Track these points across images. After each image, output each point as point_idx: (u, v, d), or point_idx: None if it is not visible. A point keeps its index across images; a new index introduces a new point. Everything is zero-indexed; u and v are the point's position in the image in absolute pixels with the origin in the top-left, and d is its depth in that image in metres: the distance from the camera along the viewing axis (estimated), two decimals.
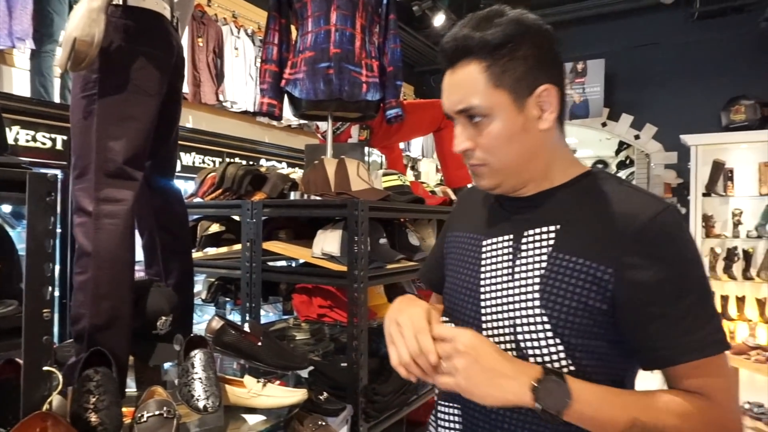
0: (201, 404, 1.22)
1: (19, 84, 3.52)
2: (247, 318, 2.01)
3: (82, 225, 1.29)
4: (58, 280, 2.60)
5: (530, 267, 0.81)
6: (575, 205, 0.82)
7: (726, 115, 6.05)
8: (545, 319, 0.78)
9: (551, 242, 0.81)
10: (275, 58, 2.31)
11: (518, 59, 0.78)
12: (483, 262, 0.88)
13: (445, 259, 1.01)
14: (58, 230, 2.59)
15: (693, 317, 0.72)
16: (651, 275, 0.73)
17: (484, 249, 0.89)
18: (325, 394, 1.64)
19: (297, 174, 2.36)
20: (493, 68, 0.78)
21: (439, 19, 6.26)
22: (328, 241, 1.84)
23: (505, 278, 0.84)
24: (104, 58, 1.29)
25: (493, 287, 0.85)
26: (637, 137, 6.90)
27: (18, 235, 1.22)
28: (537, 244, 0.82)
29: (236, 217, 2.32)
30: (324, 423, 1.52)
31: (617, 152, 9.73)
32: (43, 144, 2.94)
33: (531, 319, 0.79)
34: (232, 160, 2.27)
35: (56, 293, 0.92)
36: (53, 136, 2.97)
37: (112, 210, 1.30)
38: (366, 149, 3.25)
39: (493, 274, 0.86)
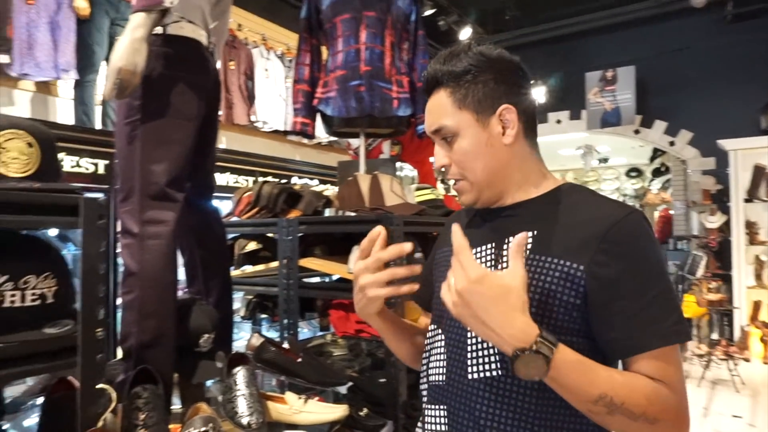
0: (245, 420, 1.24)
1: (63, 113, 3.68)
2: (285, 334, 2.03)
3: (128, 246, 1.33)
4: None
5: None
6: (550, 213, 0.89)
7: (765, 118, 5.86)
8: None
9: (529, 246, 0.87)
10: (307, 78, 2.35)
11: (479, 83, 0.90)
12: None
13: (434, 275, 1.06)
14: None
15: (657, 308, 0.79)
16: (616, 271, 0.80)
17: None
18: (366, 410, 1.64)
19: (331, 191, 2.39)
20: (456, 93, 0.90)
21: (465, 33, 6.27)
22: None
23: None
24: (146, 86, 1.34)
25: None
26: (672, 143, 6.74)
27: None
28: None
29: (272, 235, 2.35)
30: None
31: (652, 159, 9.51)
32: (87, 169, 3.06)
33: None
34: (266, 179, 2.31)
35: (107, 319, 0.96)
36: (96, 161, 3.10)
37: (156, 231, 1.34)
38: (398, 164, 3.27)
39: None
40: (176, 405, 1.46)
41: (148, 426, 1.09)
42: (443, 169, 0.95)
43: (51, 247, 1.09)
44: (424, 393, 0.98)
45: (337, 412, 1.39)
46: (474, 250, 0.94)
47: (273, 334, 2.23)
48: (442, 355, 0.94)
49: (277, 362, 1.54)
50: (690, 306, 5.37)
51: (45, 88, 3.62)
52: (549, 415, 0.83)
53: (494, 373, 0.85)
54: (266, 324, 2.50)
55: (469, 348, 0.89)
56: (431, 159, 4.12)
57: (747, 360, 4.90)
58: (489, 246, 0.93)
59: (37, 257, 1.03)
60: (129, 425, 1.08)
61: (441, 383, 0.92)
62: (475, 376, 0.87)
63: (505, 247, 0.90)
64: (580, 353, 0.78)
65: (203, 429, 1.13)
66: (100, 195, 0.97)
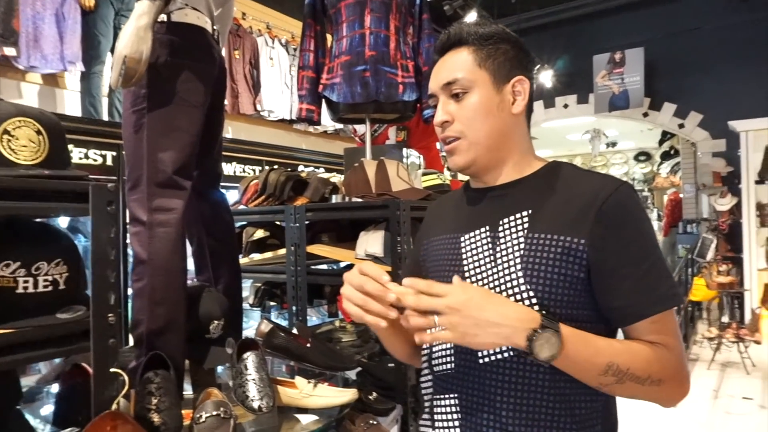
0: (256, 404, 1.25)
1: (71, 104, 3.70)
2: (294, 321, 2.04)
3: (137, 234, 1.34)
4: None
5: (510, 250, 0.89)
6: (543, 191, 0.91)
7: None
8: (531, 294, 0.84)
9: (526, 225, 0.89)
10: (312, 65, 2.34)
11: (500, 51, 0.93)
12: (464, 256, 0.94)
13: (423, 267, 1.05)
14: None
15: (655, 275, 0.83)
16: (616, 242, 0.83)
17: (463, 244, 0.95)
18: (375, 394, 1.66)
19: (337, 178, 2.39)
20: (479, 52, 0.93)
21: (470, 17, 6.21)
22: (371, 242, 1.86)
23: (488, 265, 0.90)
24: (152, 74, 1.34)
25: (478, 276, 0.91)
26: (681, 126, 6.66)
27: None
28: (513, 230, 0.90)
29: (280, 222, 2.36)
30: (375, 422, 1.53)
31: (660, 142, 9.42)
32: (95, 160, 3.07)
33: (518, 296, 0.85)
34: (273, 167, 2.32)
35: (119, 305, 0.97)
36: (103, 152, 3.11)
37: (165, 219, 1.35)
38: (404, 150, 3.26)
39: (476, 264, 0.92)
40: (188, 391, 1.48)
41: (161, 410, 1.10)
42: (443, 125, 0.94)
43: (61, 234, 1.11)
44: (428, 385, 0.97)
45: (346, 396, 1.40)
46: (468, 235, 0.95)
47: (282, 321, 2.25)
48: (447, 344, 0.93)
49: (287, 348, 1.55)
50: (700, 289, 5.35)
51: (52, 80, 3.64)
52: (562, 391, 0.84)
53: (505, 354, 0.85)
54: (275, 311, 2.52)
55: None
56: (438, 145, 4.11)
57: (758, 342, 4.88)
58: (484, 229, 0.93)
59: (48, 244, 1.04)
60: (142, 409, 1.10)
61: (450, 371, 0.92)
62: (487, 360, 0.87)
63: (500, 229, 0.91)
64: (584, 326, 0.82)
65: (215, 413, 1.14)
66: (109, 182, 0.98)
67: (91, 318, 0.91)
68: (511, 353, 0.85)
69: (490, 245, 0.91)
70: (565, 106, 7.51)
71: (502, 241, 0.90)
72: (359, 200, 1.98)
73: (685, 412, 3.63)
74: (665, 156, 9.35)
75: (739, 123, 5.57)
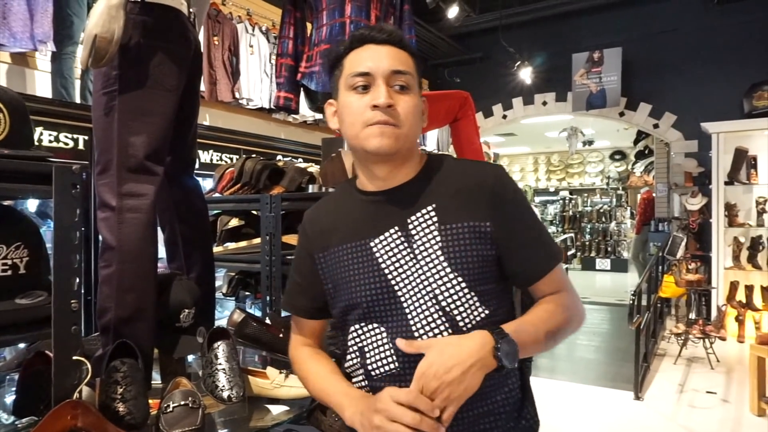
0: (225, 394, 1.23)
1: (41, 86, 3.58)
2: (268, 311, 2.02)
3: (105, 220, 1.31)
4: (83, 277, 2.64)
5: (428, 244, 0.94)
6: (437, 186, 0.99)
7: (748, 102, 5.93)
8: (459, 279, 0.92)
9: (435, 218, 0.95)
10: (291, 52, 2.31)
11: (420, 68, 1.01)
12: (380, 259, 0.96)
13: (326, 279, 1.04)
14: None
15: (544, 238, 1.00)
16: (510, 216, 0.96)
17: (375, 249, 0.97)
18: None
19: (314, 168, 2.36)
20: (415, 61, 1.00)
21: (452, 12, 6.20)
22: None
23: (409, 263, 0.95)
24: (124, 55, 1.30)
25: (403, 275, 0.95)
26: (656, 126, 6.79)
27: (44, 235, 1.24)
28: (424, 225, 0.96)
29: (255, 211, 2.33)
30: None
31: (635, 142, 9.59)
32: (66, 144, 2.99)
33: (448, 284, 0.92)
34: (250, 156, 2.28)
35: (81, 290, 0.94)
36: (75, 136, 3.02)
37: (135, 204, 1.31)
38: None
39: (396, 264, 0.95)
40: (157, 380, 1.45)
41: (126, 400, 1.08)
42: (388, 108, 0.93)
43: (23, 217, 1.07)
44: (366, 390, 0.97)
45: None
46: (378, 239, 0.97)
47: (256, 312, 2.23)
48: (385, 345, 0.94)
49: (259, 337, 1.53)
50: (669, 286, 5.48)
51: (22, 59, 3.52)
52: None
53: (445, 333, 0.91)
54: (249, 301, 2.49)
55: (414, 327, 0.92)
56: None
57: (723, 339, 5.03)
58: (394, 230, 0.97)
59: (8, 227, 1.00)
60: (107, 399, 1.07)
61: (395, 371, 0.93)
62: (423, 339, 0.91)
63: (411, 227, 0.96)
64: (500, 295, 0.97)
65: (183, 403, 1.12)
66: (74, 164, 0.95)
67: (53, 303, 0.88)
68: (450, 332, 0.91)
69: (405, 243, 0.95)
70: (544, 103, 7.58)
71: (416, 237, 0.95)
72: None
73: (650, 405, 3.72)
74: (640, 155, 9.53)
75: (712, 125, 5.70)
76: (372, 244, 0.97)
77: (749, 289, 5.33)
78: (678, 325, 4.94)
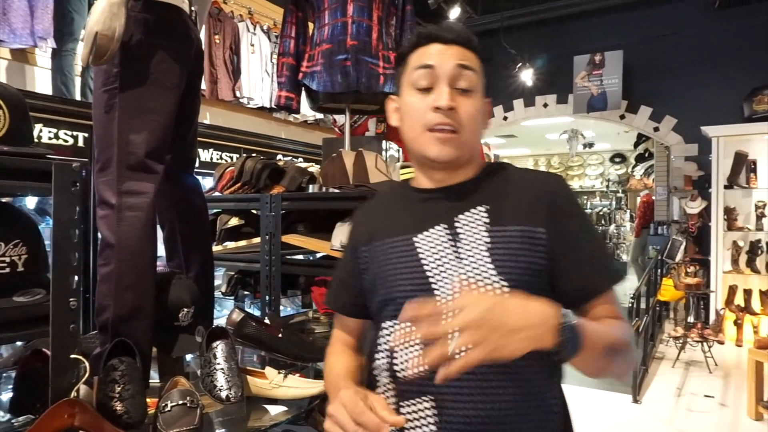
0: (223, 394, 1.23)
1: (42, 82, 3.58)
2: (267, 311, 2.02)
3: (105, 217, 1.30)
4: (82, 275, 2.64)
5: (475, 244, 0.90)
6: (495, 188, 0.96)
7: (748, 106, 5.93)
8: (504, 284, 0.86)
9: (486, 219, 0.92)
10: (292, 51, 2.31)
11: (483, 70, 0.97)
12: (422, 256, 0.93)
13: (367, 274, 1.01)
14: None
15: (603, 255, 0.93)
16: (570, 227, 0.90)
17: (418, 244, 0.94)
18: None
19: (315, 168, 2.36)
20: (480, 62, 0.97)
21: (454, 12, 6.20)
22: (347, 234, 1.84)
23: (452, 262, 0.90)
24: (125, 53, 1.29)
25: (443, 274, 0.90)
26: (656, 129, 6.79)
27: (42, 232, 1.24)
28: (473, 224, 0.92)
29: (255, 211, 2.33)
30: None
31: (635, 145, 9.59)
32: (66, 141, 2.98)
33: (490, 288, 0.86)
34: (250, 155, 2.28)
35: (80, 288, 0.93)
36: (75, 133, 3.02)
37: (135, 202, 1.31)
38: (384, 143, 3.24)
39: (439, 262, 0.91)
40: (155, 379, 1.45)
41: (124, 399, 1.07)
42: (449, 111, 0.91)
43: (21, 214, 1.06)
44: (390, 395, 0.92)
45: (316, 387, 1.38)
46: (422, 235, 0.94)
47: (255, 311, 2.22)
48: (416, 345, 0.89)
49: (258, 337, 1.53)
50: (668, 289, 5.47)
51: (22, 56, 3.51)
52: (536, 376, 0.85)
53: None
54: (248, 301, 2.49)
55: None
56: None
57: (721, 342, 5.03)
58: (441, 227, 0.93)
59: (6, 224, 1.00)
60: (104, 397, 1.06)
61: (423, 373, 0.86)
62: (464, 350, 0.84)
63: (456, 225, 0.92)
64: None
65: (181, 402, 1.12)
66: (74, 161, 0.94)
67: (51, 301, 0.88)
68: None
69: (451, 242, 0.92)
70: (545, 105, 7.58)
71: (462, 236, 0.91)
72: (336, 191, 1.96)
73: (648, 408, 3.72)
74: (640, 158, 9.52)
75: (712, 128, 5.70)
76: (415, 239, 0.94)
77: (748, 293, 5.33)
78: (676, 329, 4.94)
